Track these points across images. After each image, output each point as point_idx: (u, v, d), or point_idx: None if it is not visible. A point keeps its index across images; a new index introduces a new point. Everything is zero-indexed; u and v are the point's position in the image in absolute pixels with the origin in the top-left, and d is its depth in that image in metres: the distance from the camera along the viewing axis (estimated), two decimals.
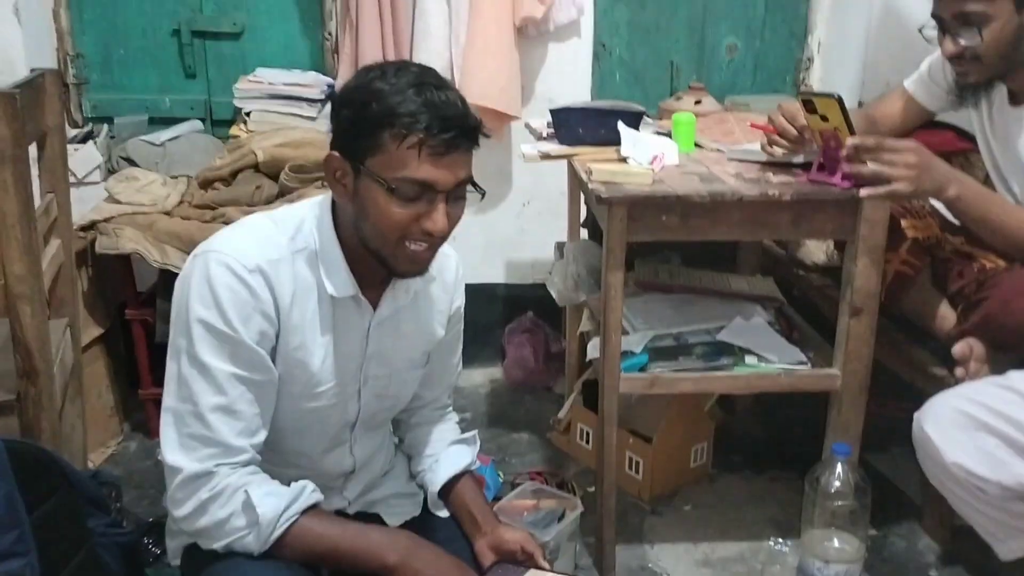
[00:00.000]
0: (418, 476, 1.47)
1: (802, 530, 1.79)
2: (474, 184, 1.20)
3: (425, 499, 1.44)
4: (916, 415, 1.54)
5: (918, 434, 1.52)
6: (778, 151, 1.78)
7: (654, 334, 1.85)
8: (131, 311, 2.27)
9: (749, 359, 1.82)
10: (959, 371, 1.63)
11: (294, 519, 1.18)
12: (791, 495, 2.09)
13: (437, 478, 1.42)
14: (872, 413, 1.85)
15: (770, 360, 1.81)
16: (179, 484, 1.18)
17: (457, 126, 1.13)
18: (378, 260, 1.21)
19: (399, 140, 1.12)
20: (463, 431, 1.52)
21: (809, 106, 1.65)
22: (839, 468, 1.71)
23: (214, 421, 1.17)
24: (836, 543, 1.74)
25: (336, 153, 1.18)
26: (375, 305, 1.28)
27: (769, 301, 2.02)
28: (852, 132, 1.62)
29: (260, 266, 1.18)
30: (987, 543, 1.53)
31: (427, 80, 1.14)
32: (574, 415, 2.31)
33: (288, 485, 1.21)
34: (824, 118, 1.63)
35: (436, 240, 1.19)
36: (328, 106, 2.50)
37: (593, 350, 1.89)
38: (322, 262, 1.22)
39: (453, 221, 1.19)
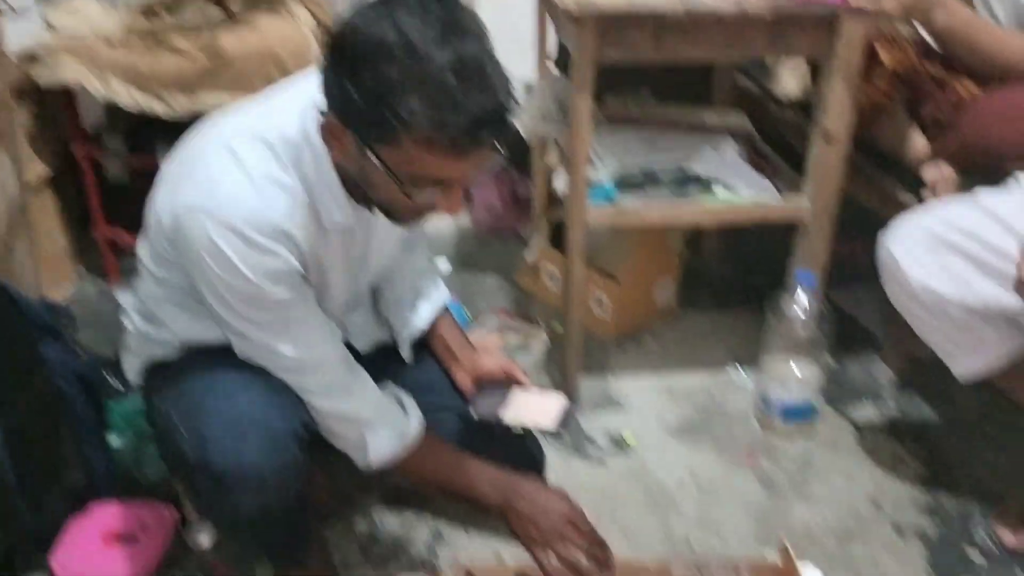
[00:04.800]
0: (394, 321, 1.46)
1: (762, 357, 1.82)
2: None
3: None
4: (882, 237, 1.52)
5: (884, 256, 1.51)
6: None
7: (622, 166, 1.80)
8: (78, 148, 2.16)
9: (718, 189, 1.79)
10: (926, 193, 1.61)
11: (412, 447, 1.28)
12: (755, 329, 2.10)
13: (417, 323, 1.44)
14: (839, 254, 1.84)
15: (739, 190, 1.78)
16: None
17: (493, 122, 0.94)
18: (380, 209, 1.12)
19: (423, 146, 0.94)
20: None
21: None
22: (801, 294, 1.72)
23: (310, 365, 1.19)
24: (795, 369, 1.77)
25: (334, 120, 1.00)
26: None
27: (740, 134, 1.97)
28: None
29: (282, 228, 1.08)
30: (942, 370, 1.55)
31: (468, 55, 0.93)
32: (541, 256, 2.29)
33: None
34: None
35: None
36: None
37: (560, 183, 1.85)
38: (323, 192, 1.11)
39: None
